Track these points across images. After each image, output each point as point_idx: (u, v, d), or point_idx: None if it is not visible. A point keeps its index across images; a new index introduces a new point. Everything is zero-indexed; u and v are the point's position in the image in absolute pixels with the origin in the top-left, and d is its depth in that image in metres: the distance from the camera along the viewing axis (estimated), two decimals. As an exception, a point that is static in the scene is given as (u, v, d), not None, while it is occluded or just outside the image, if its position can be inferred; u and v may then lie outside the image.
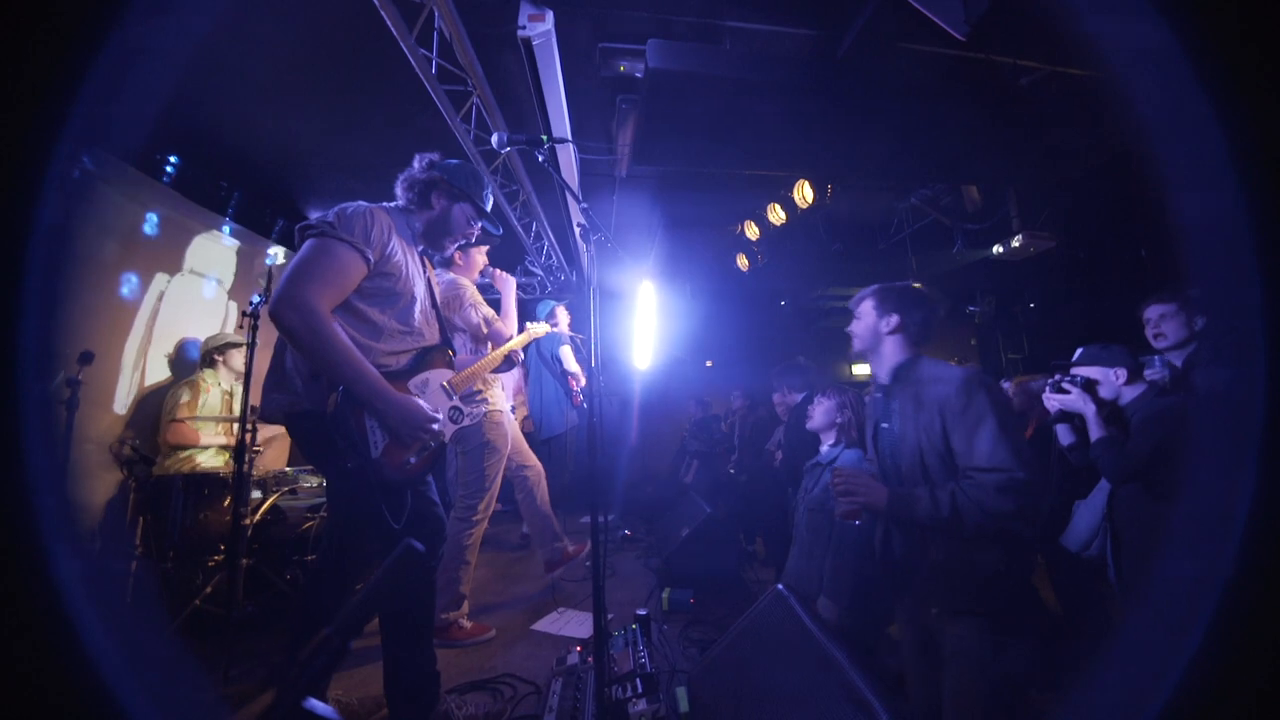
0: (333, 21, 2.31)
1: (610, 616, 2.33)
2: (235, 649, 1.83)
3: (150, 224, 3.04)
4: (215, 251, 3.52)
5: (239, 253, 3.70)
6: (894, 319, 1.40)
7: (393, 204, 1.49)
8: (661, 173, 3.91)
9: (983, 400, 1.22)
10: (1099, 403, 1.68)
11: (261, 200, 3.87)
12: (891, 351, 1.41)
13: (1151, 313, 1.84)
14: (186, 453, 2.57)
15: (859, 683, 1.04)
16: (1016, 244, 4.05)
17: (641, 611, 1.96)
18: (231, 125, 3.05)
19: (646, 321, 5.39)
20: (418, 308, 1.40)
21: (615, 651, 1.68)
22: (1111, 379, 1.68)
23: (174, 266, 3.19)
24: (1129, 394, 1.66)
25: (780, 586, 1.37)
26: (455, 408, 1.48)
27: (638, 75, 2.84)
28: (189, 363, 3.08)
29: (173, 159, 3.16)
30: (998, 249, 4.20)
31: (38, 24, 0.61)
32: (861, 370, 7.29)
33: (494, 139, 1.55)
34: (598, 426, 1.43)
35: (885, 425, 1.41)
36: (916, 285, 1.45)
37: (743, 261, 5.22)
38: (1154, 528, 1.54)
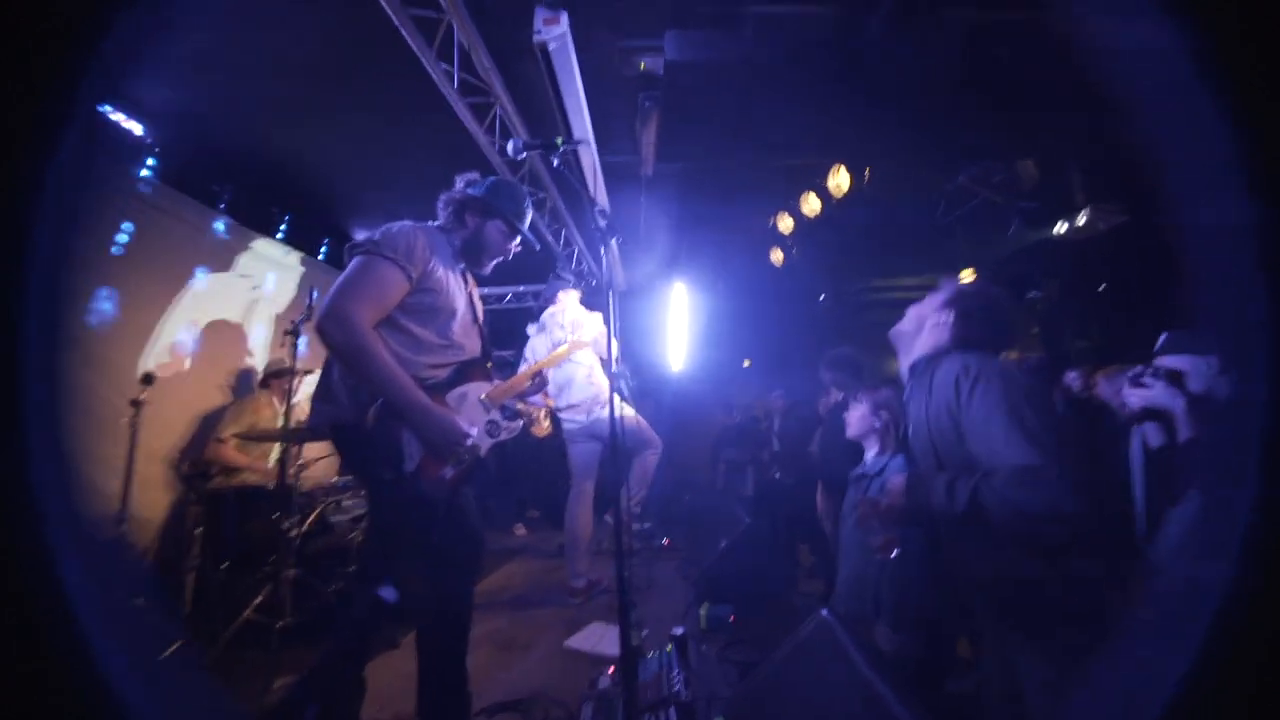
0: (357, 41, 2.36)
1: (645, 633, 2.24)
2: (282, 659, 1.89)
3: (205, 249, 3.24)
4: (269, 272, 3.73)
5: (290, 273, 3.91)
6: (947, 313, 1.25)
7: (435, 223, 1.55)
8: (688, 170, 3.81)
9: (983, 392, 1.06)
10: (1191, 398, 1.42)
11: (308, 222, 4.07)
12: (928, 340, 1.27)
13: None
14: (237, 469, 2.70)
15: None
16: (1082, 221, 3.67)
17: (678, 630, 1.86)
18: (273, 151, 3.22)
19: (679, 322, 5.27)
20: (457, 322, 1.45)
21: (649, 675, 1.60)
22: (1203, 369, 1.42)
23: (230, 287, 3.39)
24: (1225, 388, 1.39)
25: (825, 612, 1.25)
26: (492, 421, 1.49)
27: (659, 73, 2.77)
28: (247, 385, 3.25)
29: (226, 188, 3.36)
30: (1061, 227, 3.82)
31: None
32: (910, 365, 6.87)
33: (509, 145, 1.52)
34: (619, 432, 1.36)
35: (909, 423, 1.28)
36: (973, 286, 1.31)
37: (777, 256, 5.03)
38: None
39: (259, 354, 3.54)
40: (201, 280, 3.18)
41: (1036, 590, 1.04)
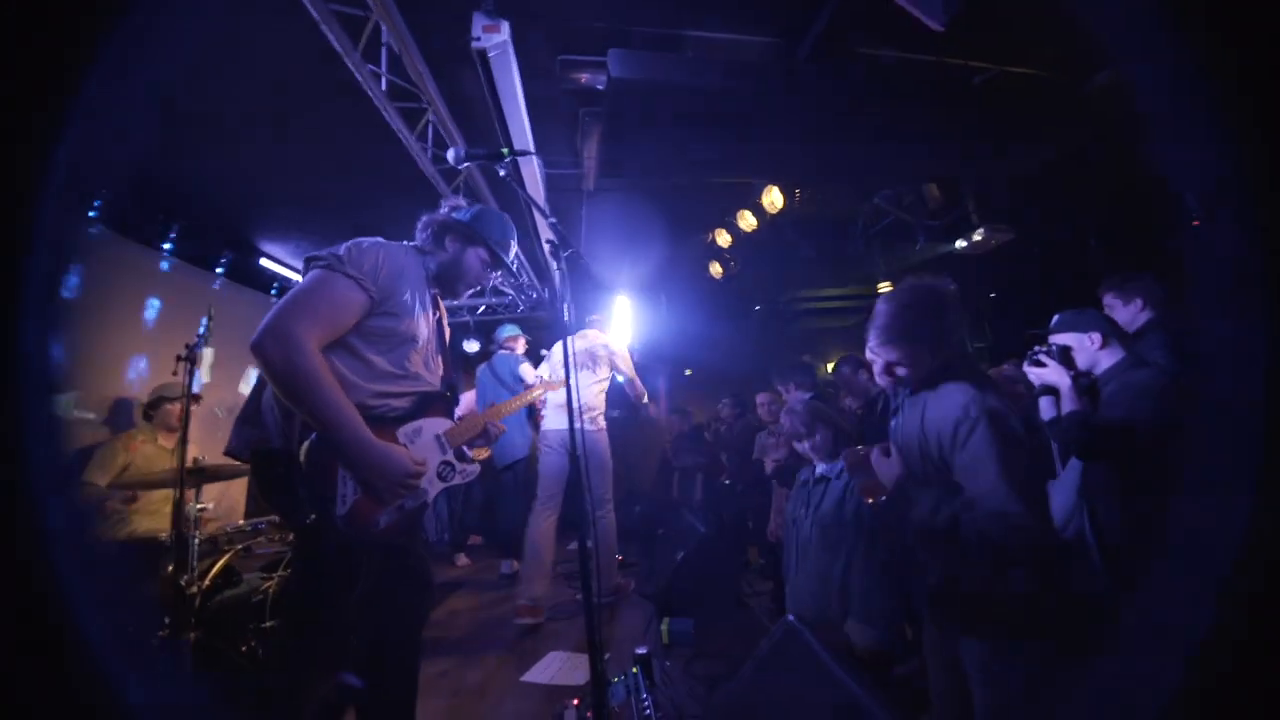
0: (274, 43, 2.15)
1: (607, 657, 2.17)
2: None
3: (81, 263, 2.76)
4: (154, 289, 3.25)
5: (178, 288, 3.42)
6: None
7: (412, 243, 1.43)
8: (630, 185, 3.85)
9: (980, 439, 1.09)
10: (1075, 373, 1.64)
11: (204, 233, 3.61)
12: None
13: (1106, 300, 1.84)
14: (118, 516, 2.30)
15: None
16: (978, 237, 4.16)
17: (641, 650, 1.81)
18: (173, 160, 2.83)
19: (623, 334, 5.30)
20: (418, 350, 1.31)
21: (618, 701, 1.54)
22: (1087, 345, 1.64)
23: (116, 309, 2.91)
24: (1105, 361, 1.62)
25: (791, 618, 1.27)
26: (447, 463, 1.34)
27: (599, 87, 2.78)
28: (126, 419, 2.80)
29: (104, 192, 2.90)
30: (960, 243, 4.30)
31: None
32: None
33: (450, 154, 1.45)
34: (580, 445, 1.31)
35: (894, 422, 1.33)
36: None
37: (716, 269, 5.21)
38: (1131, 509, 1.50)
39: (142, 383, 3.05)
40: (69, 297, 2.70)
41: (983, 600, 1.13)
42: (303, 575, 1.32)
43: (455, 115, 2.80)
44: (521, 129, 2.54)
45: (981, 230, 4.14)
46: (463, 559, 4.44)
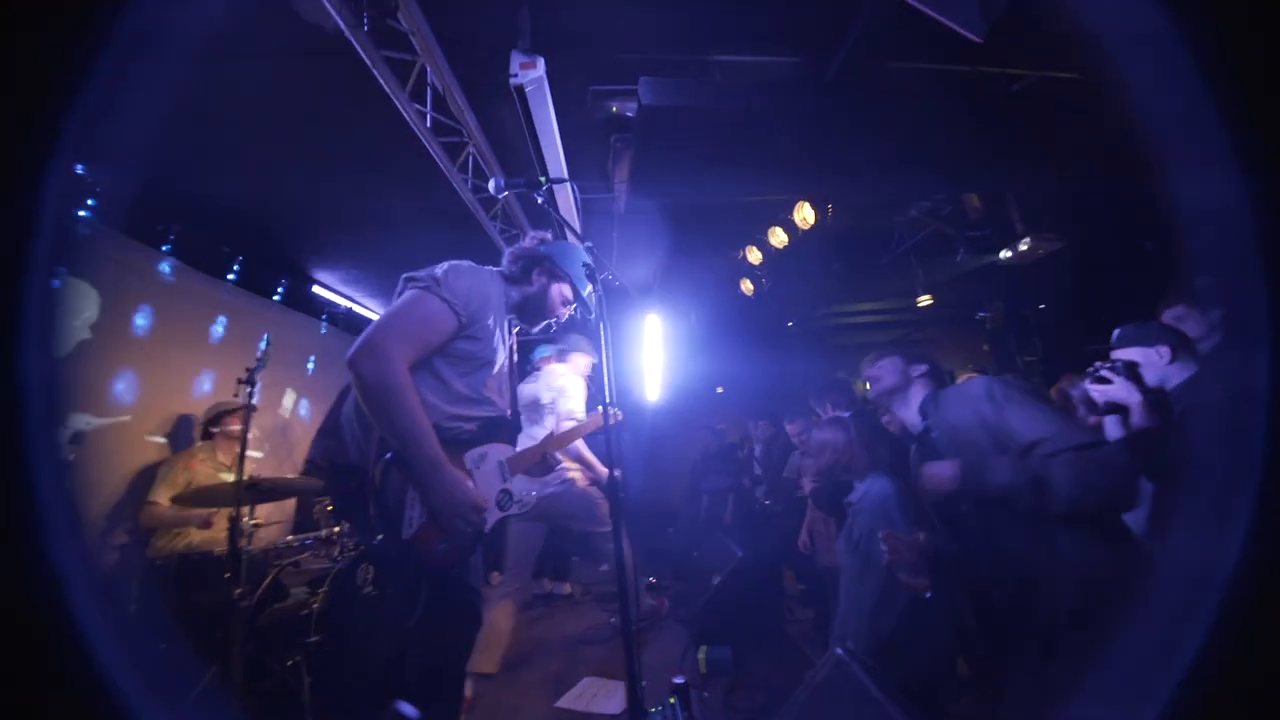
0: (325, 82, 2.33)
1: (644, 684, 2.11)
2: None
3: (148, 292, 3.02)
4: (219, 316, 3.50)
5: (240, 317, 3.67)
6: (921, 366, 1.41)
7: (499, 269, 1.49)
8: (661, 206, 3.91)
9: (1018, 399, 1.16)
10: (1145, 390, 1.52)
11: (264, 263, 3.88)
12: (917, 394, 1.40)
13: (1168, 317, 1.70)
14: (179, 530, 2.43)
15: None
16: (1025, 247, 3.98)
17: (679, 680, 1.76)
18: (232, 191, 3.08)
19: (654, 354, 5.29)
20: (493, 375, 1.35)
21: (655, 734, 1.49)
22: (1155, 359, 1.51)
23: (179, 335, 3.15)
24: (1176, 376, 1.49)
25: (840, 651, 1.21)
26: (505, 491, 1.36)
27: (629, 114, 2.86)
28: (186, 437, 2.96)
29: (173, 228, 3.17)
30: (1006, 254, 4.12)
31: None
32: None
33: (490, 184, 1.51)
34: (620, 469, 1.30)
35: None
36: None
37: (747, 286, 5.17)
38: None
39: (206, 405, 3.27)
40: (143, 326, 2.94)
41: (1084, 573, 1.05)
42: (369, 593, 1.35)
43: (493, 146, 2.93)
44: (556, 157, 2.63)
45: (1027, 240, 3.96)
46: (496, 577, 4.45)
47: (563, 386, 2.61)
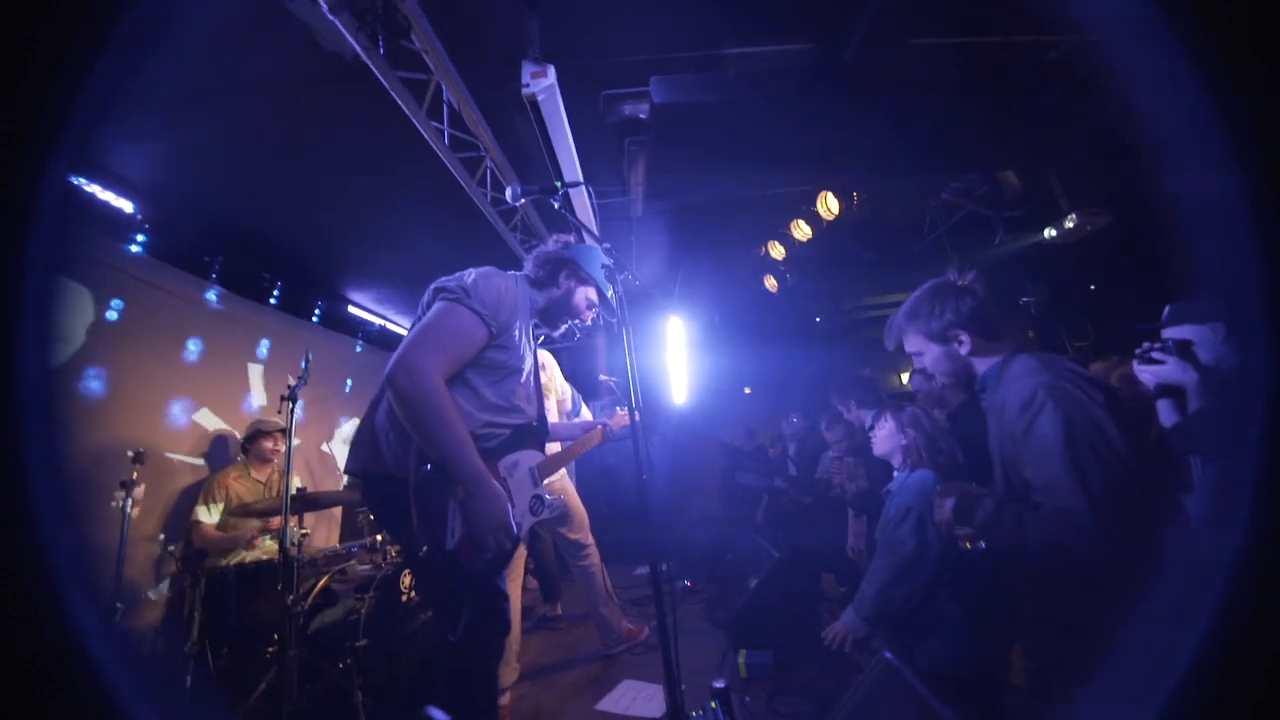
0: (349, 109, 2.43)
1: (683, 688, 2.08)
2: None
3: (198, 320, 3.21)
4: (263, 339, 3.69)
5: (284, 339, 3.87)
6: (963, 336, 1.18)
7: (521, 274, 1.49)
8: (678, 206, 3.89)
9: (1046, 421, 0.99)
10: (1202, 369, 1.39)
11: (301, 286, 4.08)
12: (980, 362, 1.20)
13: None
14: (231, 547, 2.56)
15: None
16: (1070, 224, 3.74)
17: (719, 684, 1.72)
18: (262, 218, 3.25)
19: (678, 356, 5.25)
20: (521, 383, 1.36)
21: (695, 740, 1.45)
22: (1209, 336, 1.39)
23: (224, 357, 3.34)
24: (1234, 354, 1.36)
25: (889, 655, 1.15)
26: (537, 497, 1.38)
27: (642, 116, 2.86)
28: (224, 456, 3.09)
29: (217, 258, 3.37)
30: (1050, 232, 3.89)
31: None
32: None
33: (508, 193, 1.53)
34: (648, 472, 1.29)
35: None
36: (934, 283, 1.24)
37: (771, 283, 5.08)
38: None
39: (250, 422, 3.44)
40: (194, 352, 3.13)
41: (1071, 630, 0.98)
42: (425, 593, 1.36)
43: (510, 157, 2.99)
44: (571, 163, 2.65)
45: (1073, 216, 3.73)
46: (533, 582, 4.50)
47: (546, 364, 2.62)
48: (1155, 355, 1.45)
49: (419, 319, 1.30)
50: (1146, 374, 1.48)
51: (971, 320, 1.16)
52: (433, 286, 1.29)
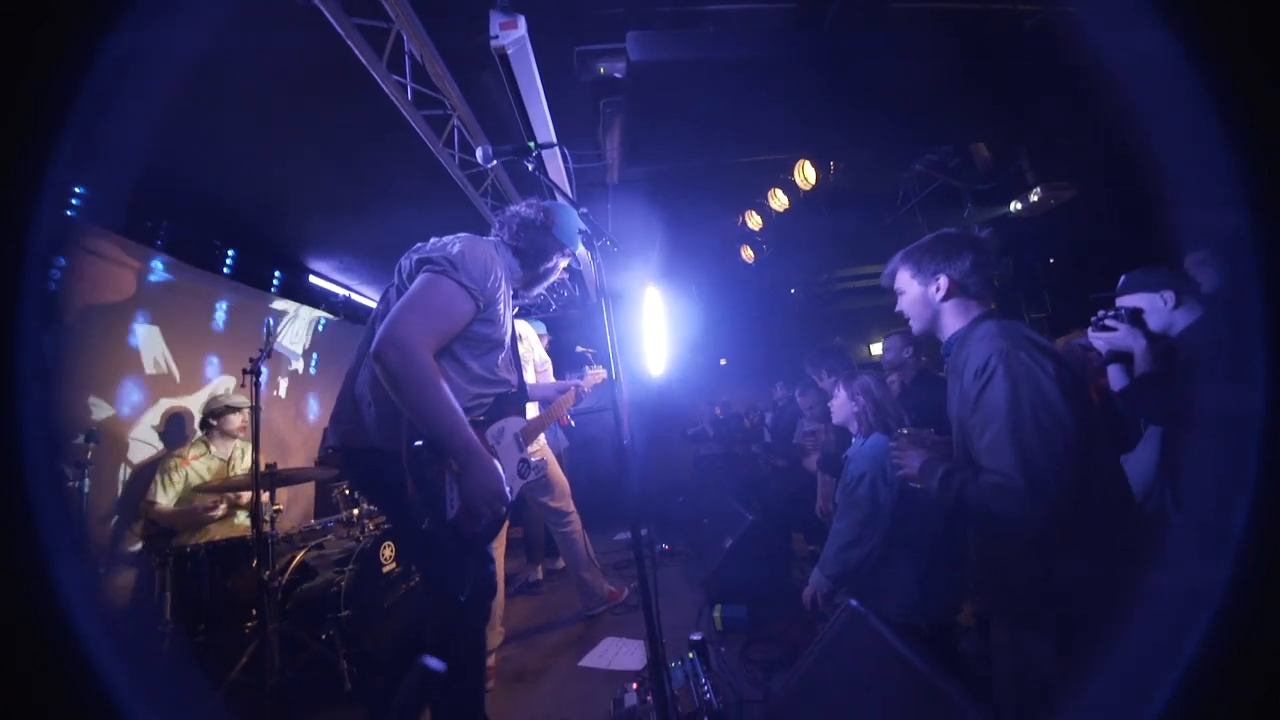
0: (297, 58, 2.24)
1: (663, 642, 2.18)
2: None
3: (144, 292, 3.01)
4: (214, 312, 3.49)
5: (237, 310, 3.66)
6: (942, 280, 1.17)
7: (500, 240, 1.44)
8: (655, 174, 3.80)
9: (996, 386, 1.01)
10: (1150, 336, 1.49)
11: (256, 254, 3.84)
12: (951, 320, 1.19)
13: (1190, 262, 1.64)
14: (200, 529, 2.49)
15: (955, 695, 0.92)
16: (1035, 198, 3.85)
17: (696, 636, 1.82)
18: (213, 182, 3.02)
19: (655, 326, 5.27)
20: (504, 354, 1.35)
21: (677, 685, 1.54)
22: (1160, 305, 1.48)
23: (172, 331, 3.15)
24: (1182, 321, 1.46)
25: (854, 603, 1.23)
26: (524, 461, 1.40)
27: (617, 75, 2.75)
28: (179, 431, 2.94)
29: (162, 224, 3.13)
30: (1016, 205, 4.00)
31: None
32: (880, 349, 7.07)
33: (478, 153, 1.46)
34: (628, 440, 1.31)
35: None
36: (948, 231, 1.22)
37: (748, 254, 5.09)
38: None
39: (207, 398, 3.29)
40: (142, 324, 2.94)
41: (1030, 586, 1.05)
42: (425, 568, 1.36)
43: (479, 118, 2.84)
44: (544, 124, 2.54)
45: (1038, 190, 3.83)
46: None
47: (524, 334, 2.63)
48: (1108, 322, 1.55)
49: (396, 289, 1.25)
50: (1099, 340, 1.58)
51: (958, 271, 1.16)
52: (415, 257, 1.24)
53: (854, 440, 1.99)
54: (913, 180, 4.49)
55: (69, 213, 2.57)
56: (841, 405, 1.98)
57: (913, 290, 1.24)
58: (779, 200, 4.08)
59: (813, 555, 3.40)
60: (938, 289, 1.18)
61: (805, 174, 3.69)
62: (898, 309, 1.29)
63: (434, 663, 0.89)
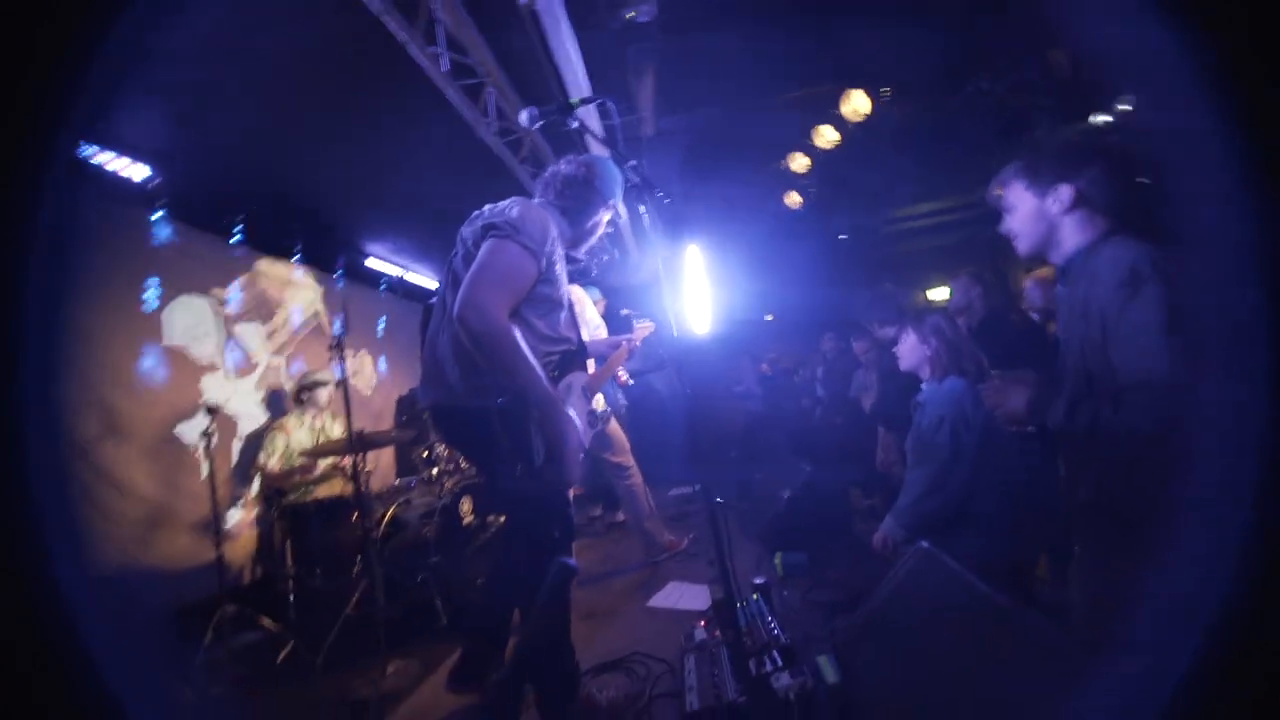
0: (338, 49, 2.27)
1: (735, 580, 2.29)
2: (390, 648, 2.03)
3: (230, 281, 3.30)
4: (300, 294, 3.80)
5: (316, 295, 3.95)
6: (1064, 190, 1.02)
7: (548, 201, 1.47)
8: (689, 125, 3.65)
9: (1151, 294, 0.90)
10: None
11: (322, 241, 4.06)
12: (1072, 235, 1.04)
13: None
14: (304, 486, 2.81)
15: (1044, 626, 0.92)
16: (1125, 107, 3.39)
17: (759, 580, 1.90)
18: (278, 177, 3.19)
19: (698, 285, 5.17)
20: (564, 313, 1.41)
21: (743, 623, 1.63)
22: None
23: (259, 315, 3.46)
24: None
25: (925, 544, 1.24)
26: (591, 412, 1.52)
27: (646, 19, 2.61)
28: (279, 407, 3.32)
29: (240, 219, 3.36)
30: (1100, 117, 3.54)
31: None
32: (940, 295, 6.60)
33: (523, 115, 1.45)
34: (688, 393, 1.35)
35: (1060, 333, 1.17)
36: (1073, 138, 1.10)
37: (794, 198, 4.83)
38: None
39: (296, 376, 3.62)
40: (234, 308, 3.25)
41: (1132, 521, 0.96)
42: (516, 517, 1.50)
43: (514, 85, 2.81)
44: (577, 79, 2.49)
45: (1130, 98, 3.36)
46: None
47: (579, 299, 2.69)
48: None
49: (463, 257, 1.31)
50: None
51: (1085, 180, 1.01)
52: (479, 224, 1.29)
53: (924, 385, 1.92)
54: (977, 98, 4.03)
55: (156, 215, 2.85)
56: (912, 349, 1.90)
57: (1026, 204, 1.09)
58: (826, 138, 3.81)
59: (870, 509, 3.38)
60: (1057, 200, 1.04)
61: (854, 105, 3.41)
62: (1002, 228, 1.17)
63: (570, 561, 1.00)
